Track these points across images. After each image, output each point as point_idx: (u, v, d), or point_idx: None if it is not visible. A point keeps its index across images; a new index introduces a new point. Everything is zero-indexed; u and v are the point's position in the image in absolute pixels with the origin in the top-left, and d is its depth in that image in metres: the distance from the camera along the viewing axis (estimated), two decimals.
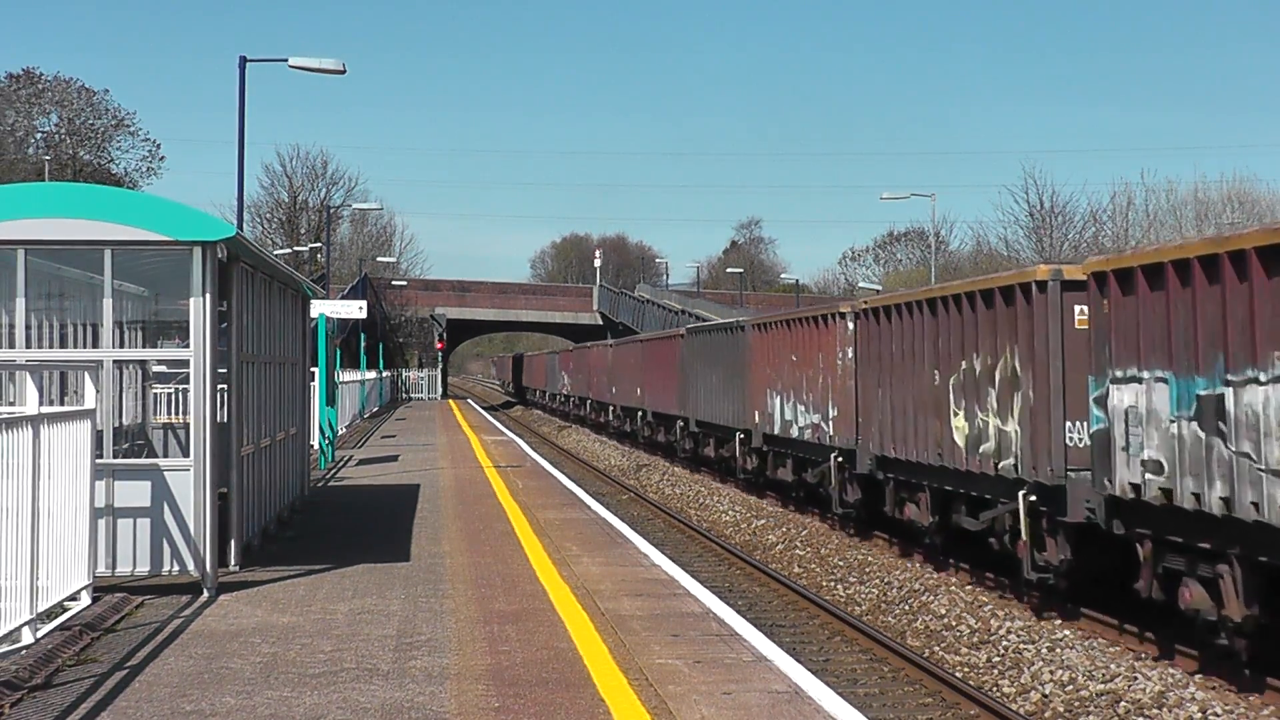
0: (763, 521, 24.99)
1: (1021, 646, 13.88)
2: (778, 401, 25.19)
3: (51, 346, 14.76)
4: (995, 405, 15.63)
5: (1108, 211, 64.43)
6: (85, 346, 15.21)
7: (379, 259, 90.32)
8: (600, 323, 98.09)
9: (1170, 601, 12.49)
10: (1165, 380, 12.14)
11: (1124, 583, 13.57)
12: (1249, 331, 10.88)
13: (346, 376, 48.51)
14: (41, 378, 10.03)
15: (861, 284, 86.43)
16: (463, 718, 8.03)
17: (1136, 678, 12.27)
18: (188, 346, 12.48)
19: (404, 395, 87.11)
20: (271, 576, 13.29)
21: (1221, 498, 11.27)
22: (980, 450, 16.00)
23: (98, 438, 11.61)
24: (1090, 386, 13.76)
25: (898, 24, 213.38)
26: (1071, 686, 12.39)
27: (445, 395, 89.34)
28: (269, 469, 15.72)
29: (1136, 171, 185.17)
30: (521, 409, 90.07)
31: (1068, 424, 14.38)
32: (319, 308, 29.25)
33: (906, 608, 16.58)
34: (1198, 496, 11.60)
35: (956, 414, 16.76)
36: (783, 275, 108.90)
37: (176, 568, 12.31)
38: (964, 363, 16.56)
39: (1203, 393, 11.55)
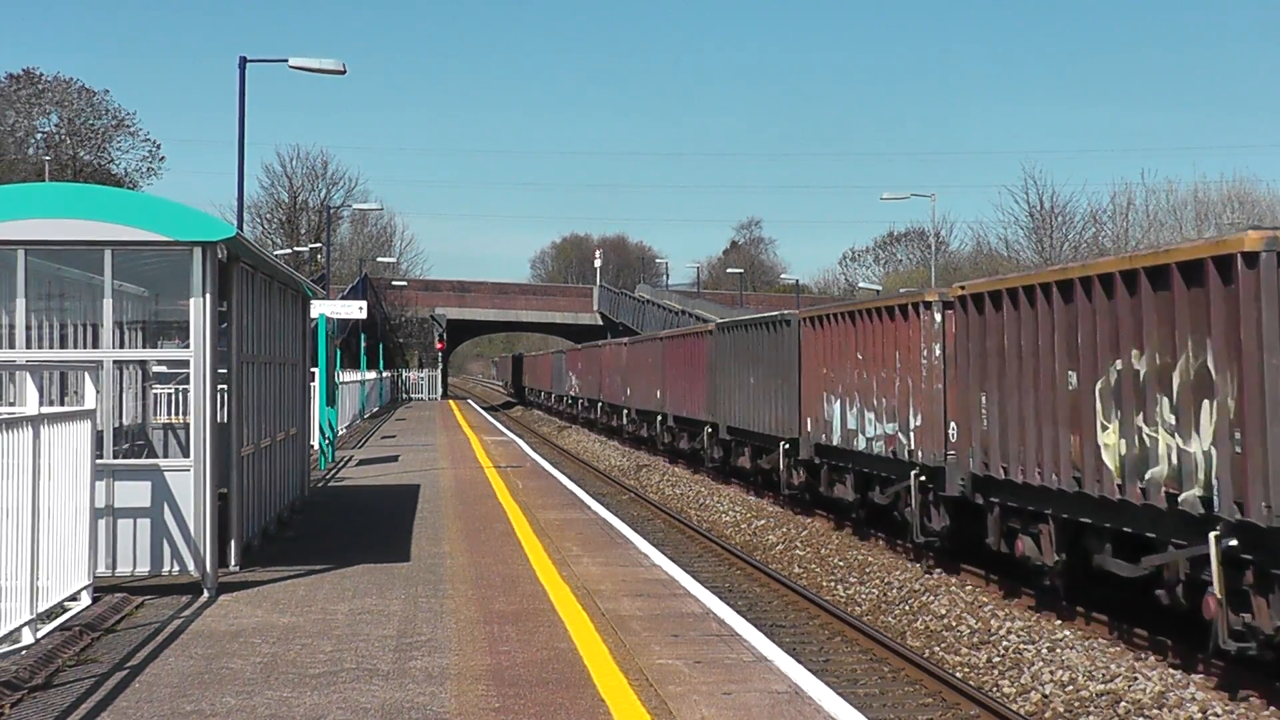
0: (763, 522, 24.99)
1: (1021, 647, 13.88)
2: (837, 407, 21.77)
3: (51, 347, 14.75)
4: (1171, 418, 12.13)
5: (1108, 212, 64.56)
6: (85, 347, 15.20)
7: (379, 259, 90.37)
8: (600, 323, 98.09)
9: None
10: None
11: None
12: None
13: (346, 377, 48.51)
14: (41, 378, 10.02)
15: (861, 284, 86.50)
16: (463, 718, 8.03)
17: (1136, 678, 12.27)
18: (188, 347, 12.48)
19: (404, 395, 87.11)
20: (271, 577, 13.28)
21: None
22: (1147, 476, 12.50)
23: (98, 438, 11.61)
24: None
25: (898, 24, 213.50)
26: (1071, 687, 12.39)
27: (445, 395, 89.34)
28: (269, 469, 15.72)
29: (1136, 171, 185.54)
30: (521, 409, 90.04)
31: None
32: (319, 308, 29.25)
33: (906, 608, 16.57)
34: None
35: (1105, 428, 13.30)
36: (783, 275, 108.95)
37: (176, 568, 12.31)
38: (1118, 362, 13.03)
39: None
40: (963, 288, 16.78)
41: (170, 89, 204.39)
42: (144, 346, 17.62)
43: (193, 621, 11.04)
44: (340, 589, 12.64)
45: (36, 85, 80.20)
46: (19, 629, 9.30)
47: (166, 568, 12.33)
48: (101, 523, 11.94)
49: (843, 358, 21.67)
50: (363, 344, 62.08)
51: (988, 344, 15.90)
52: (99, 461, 11.65)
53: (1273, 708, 11.32)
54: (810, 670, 9.63)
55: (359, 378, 55.71)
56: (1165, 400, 12.26)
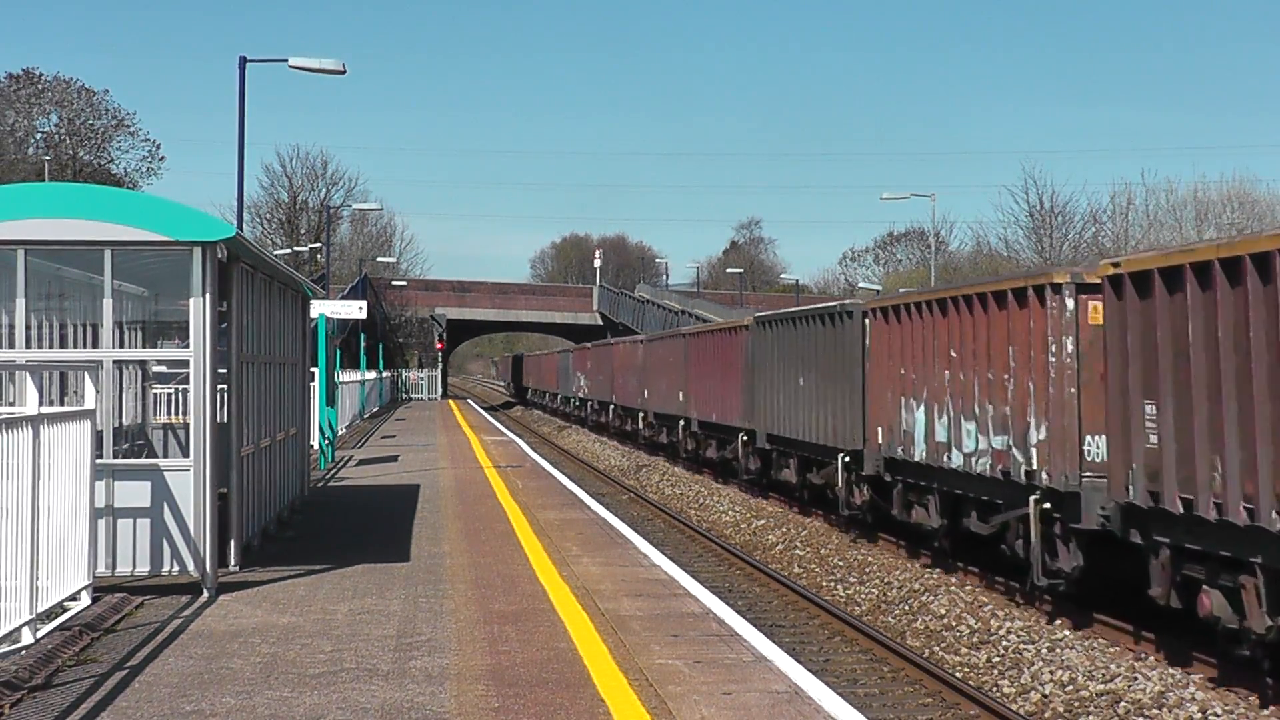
0: (763, 521, 24.99)
1: (1021, 647, 13.88)
2: (919, 415, 18.19)
3: (51, 346, 14.75)
4: None
5: (1108, 212, 64.58)
6: (85, 347, 15.20)
7: (379, 259, 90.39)
8: (600, 323, 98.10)
9: None
10: None
11: None
12: None
13: (346, 377, 48.52)
14: (41, 378, 10.02)
15: (861, 284, 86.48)
16: (463, 718, 8.03)
17: (1136, 678, 12.28)
18: (188, 346, 12.48)
19: (404, 395, 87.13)
20: (271, 576, 13.29)
21: None
22: None
23: (98, 438, 11.61)
24: None
25: (898, 24, 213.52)
26: (1071, 686, 12.39)
27: (445, 395, 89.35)
28: (269, 469, 15.72)
29: (1136, 171, 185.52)
30: (521, 409, 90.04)
31: None
32: (319, 308, 29.25)
33: (906, 608, 16.57)
34: None
35: None
36: (783, 275, 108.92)
37: (176, 568, 12.31)
38: None
39: None
40: (1116, 264, 13.24)
41: (170, 89, 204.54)
42: (144, 346, 17.62)
43: (192, 621, 11.04)
44: (340, 589, 12.64)
45: (36, 85, 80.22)
46: (19, 629, 9.30)
47: (166, 568, 12.33)
48: (101, 523, 11.94)
49: (928, 355, 18.05)
50: (363, 344, 62.08)
51: (1159, 336, 12.38)
52: (99, 461, 11.65)
53: (1272, 707, 11.32)
54: (810, 670, 9.64)
55: (359, 378, 55.71)
56: None
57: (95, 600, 11.15)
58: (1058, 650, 13.51)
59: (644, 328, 74.70)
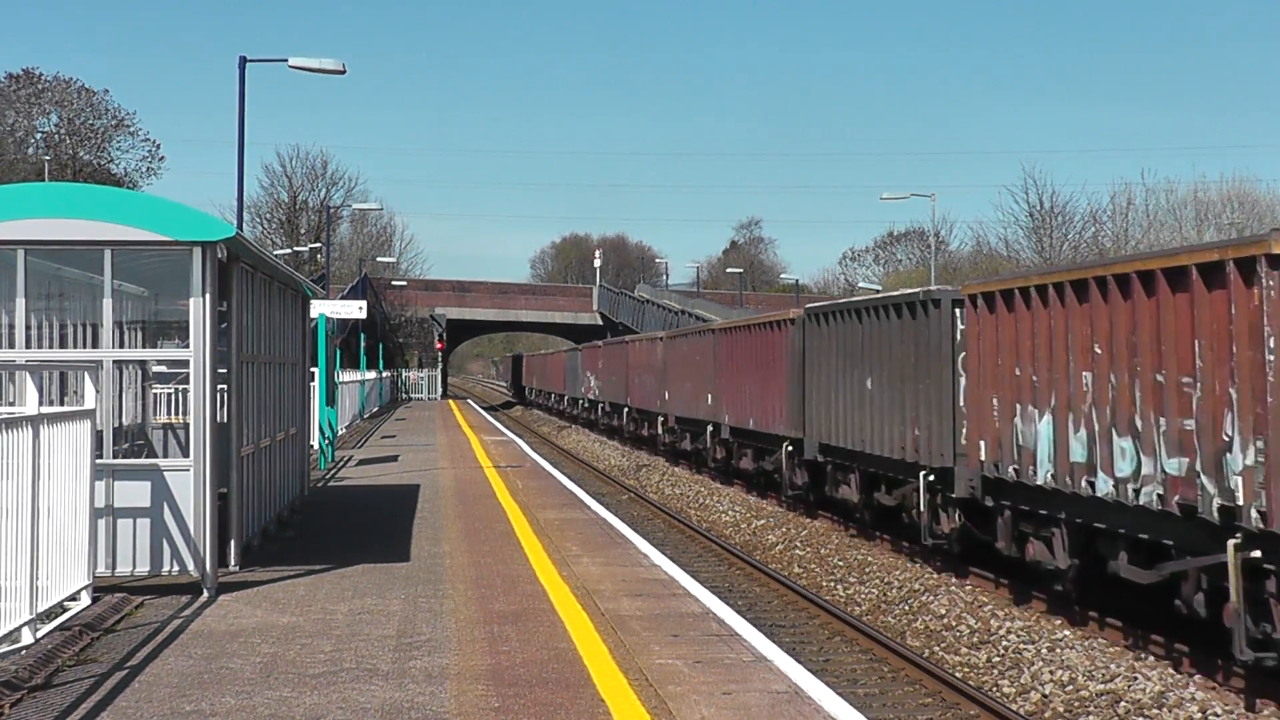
0: (762, 522, 24.98)
1: (1021, 647, 13.88)
2: (1042, 427, 14.53)
3: (51, 346, 14.75)
4: None
5: (1108, 212, 64.56)
6: (85, 346, 15.21)
7: (379, 259, 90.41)
8: (600, 323, 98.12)
9: None
10: None
11: None
12: None
13: (346, 376, 48.52)
14: (41, 378, 10.02)
15: (861, 284, 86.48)
16: (463, 718, 8.03)
17: (1136, 678, 12.28)
18: (188, 346, 12.48)
19: (404, 395, 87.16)
20: (271, 576, 13.29)
21: None
22: None
23: (98, 438, 11.61)
24: None
25: (898, 24, 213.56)
26: (1071, 686, 12.39)
27: (445, 396, 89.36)
28: (269, 469, 15.72)
29: (1136, 171, 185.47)
30: (521, 409, 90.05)
31: None
32: (319, 308, 29.25)
33: (906, 608, 16.57)
34: None
35: None
36: (782, 275, 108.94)
37: (176, 568, 12.31)
38: None
39: None
40: None
41: (170, 89, 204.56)
42: (144, 346, 17.62)
43: (192, 621, 11.04)
44: (340, 589, 12.64)
45: (36, 85, 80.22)
46: (19, 629, 9.30)
47: (166, 568, 12.33)
48: (101, 522, 11.94)
49: (1057, 351, 14.36)
50: (363, 344, 62.09)
51: None
52: (99, 461, 11.65)
53: (1272, 706, 11.32)
54: (810, 670, 9.64)
55: (359, 377, 55.72)
56: None
57: (95, 600, 11.15)
58: (1058, 650, 13.51)
59: (644, 328, 74.60)
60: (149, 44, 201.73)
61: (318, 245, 70.48)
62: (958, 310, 17.35)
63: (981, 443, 16.12)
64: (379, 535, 16.77)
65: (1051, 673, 12.85)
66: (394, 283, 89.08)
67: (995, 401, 15.78)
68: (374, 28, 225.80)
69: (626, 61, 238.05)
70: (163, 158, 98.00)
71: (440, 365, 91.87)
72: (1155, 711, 11.46)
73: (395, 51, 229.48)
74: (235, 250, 12.92)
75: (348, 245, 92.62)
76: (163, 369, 18.80)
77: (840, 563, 20.09)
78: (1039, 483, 14.60)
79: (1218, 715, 11.22)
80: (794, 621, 16.18)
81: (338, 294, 53.67)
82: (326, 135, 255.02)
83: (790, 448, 24.71)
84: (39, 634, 9.61)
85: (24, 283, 12.25)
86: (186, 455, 12.76)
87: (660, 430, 38.58)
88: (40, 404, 9.70)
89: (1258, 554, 11.07)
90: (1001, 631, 14.59)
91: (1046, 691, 12.40)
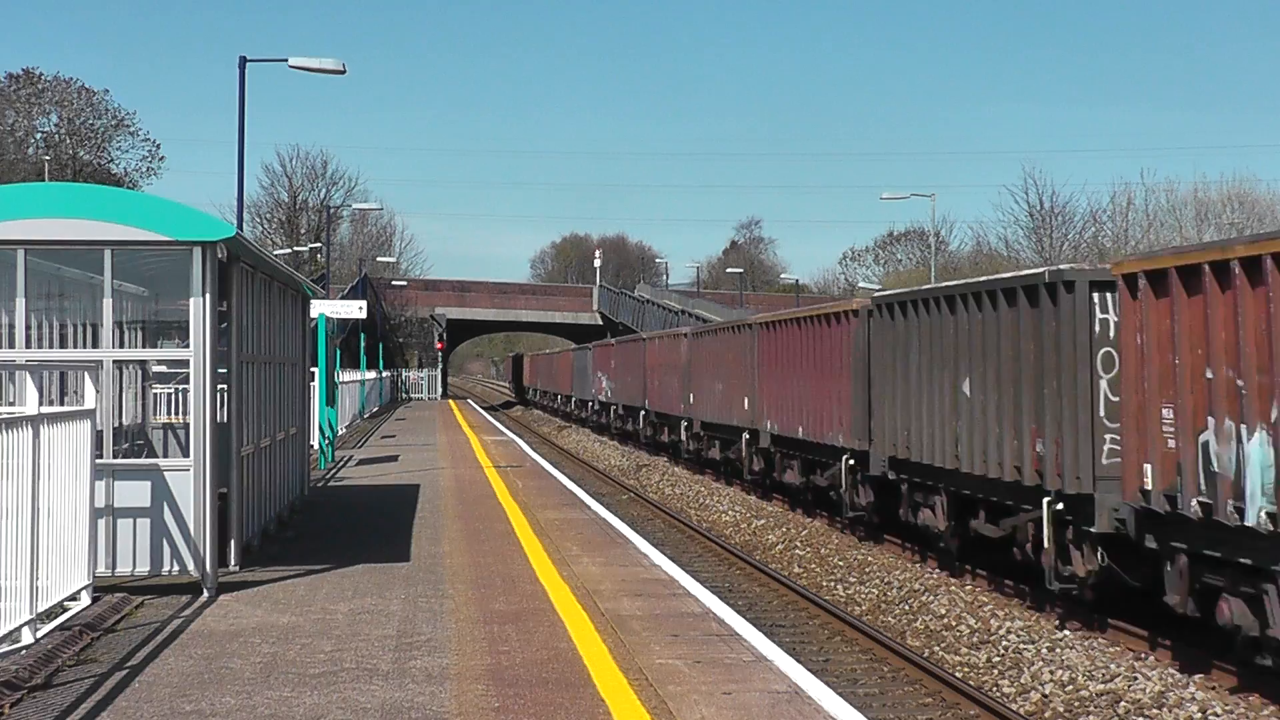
0: (763, 521, 24.98)
1: (1021, 646, 13.88)
2: (1255, 450, 10.94)
3: (51, 346, 14.76)
4: None
5: (1108, 211, 64.62)
6: (85, 346, 15.21)
7: (379, 259, 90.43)
8: (600, 323, 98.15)
9: None
10: None
11: None
12: None
13: (346, 376, 48.52)
14: (41, 378, 10.03)
15: (861, 284, 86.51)
16: (463, 718, 8.03)
17: (1136, 678, 12.28)
18: (188, 346, 12.49)
19: (404, 395, 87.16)
20: (271, 576, 13.29)
21: None
22: None
23: (98, 438, 11.61)
24: None
25: (898, 24, 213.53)
26: (1071, 686, 12.39)
27: (445, 395, 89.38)
28: (269, 469, 15.72)
29: (1136, 171, 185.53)
30: (521, 409, 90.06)
31: None
32: (319, 308, 29.26)
33: (906, 608, 16.57)
34: None
35: None
36: (783, 275, 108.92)
37: (176, 568, 12.31)
38: None
39: None
40: None
41: (170, 89, 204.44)
42: (144, 346, 17.62)
43: (192, 621, 11.04)
44: (340, 589, 12.64)
45: (36, 85, 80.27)
46: (19, 629, 9.30)
47: (166, 567, 12.33)
48: (101, 522, 11.94)
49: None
50: (363, 344, 62.10)
51: None
52: (99, 461, 11.65)
53: (1273, 707, 11.32)
54: (810, 670, 9.64)
55: (359, 377, 55.73)
56: None
57: (95, 600, 11.15)
58: (1058, 650, 13.51)
59: (644, 327, 74.49)
60: (149, 44, 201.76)
61: (318, 245, 70.51)
62: (1097, 296, 14.25)
63: (1147, 466, 12.46)
64: (379, 535, 16.77)
65: (1051, 673, 12.85)
66: (394, 283, 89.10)
67: (1169, 413, 12.19)
68: (374, 28, 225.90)
69: (626, 61, 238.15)
70: (163, 158, 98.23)
71: (440, 365, 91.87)
72: (1155, 711, 11.46)
73: (395, 51, 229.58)
74: (235, 250, 12.92)
75: (348, 245, 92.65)
76: (163, 369, 18.80)
77: (840, 562, 20.09)
78: (1248, 523, 10.94)
79: (1218, 715, 11.22)
80: (794, 621, 16.19)
81: (338, 294, 53.68)
82: (326, 135, 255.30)
83: (851, 461, 21.09)
84: (39, 634, 9.61)
85: (24, 282, 12.25)
86: (186, 455, 12.76)
87: (683, 436, 34.96)
88: (40, 404, 9.70)
89: None
90: (1001, 631, 14.59)
91: (1046, 691, 12.40)
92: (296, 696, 8.53)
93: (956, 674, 13.17)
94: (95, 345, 14.71)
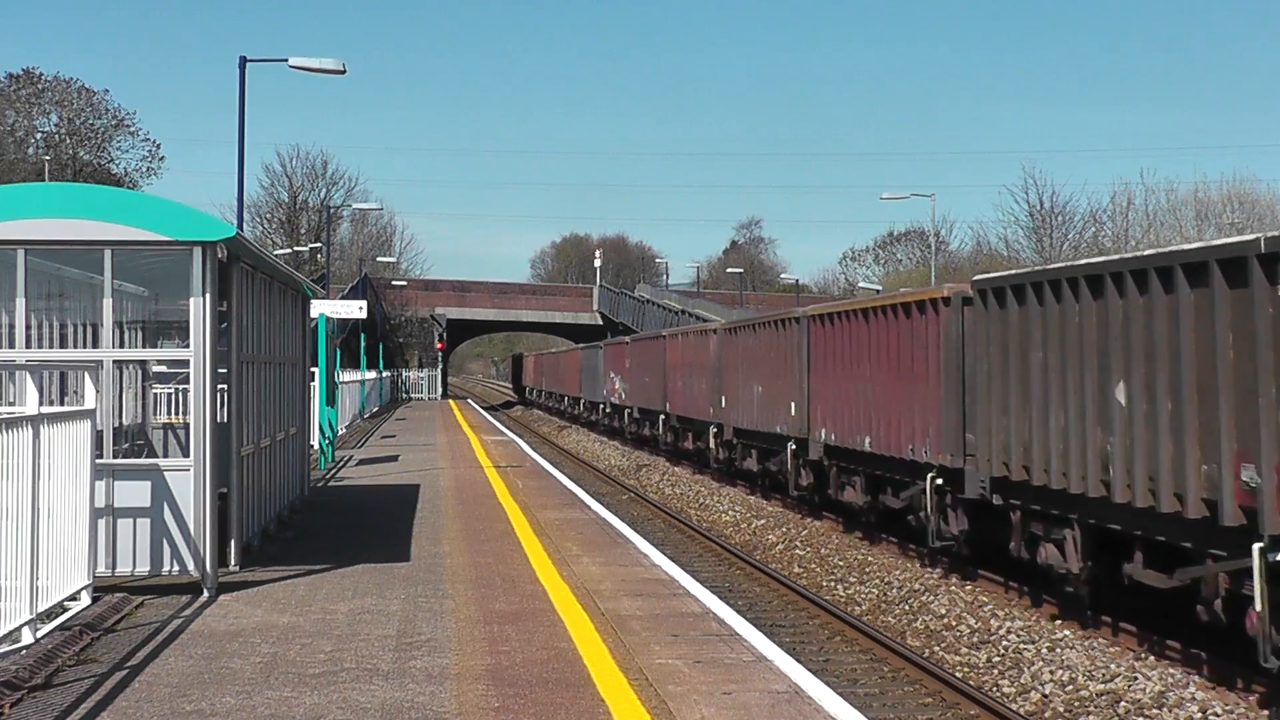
0: (763, 521, 24.97)
1: (1021, 646, 13.88)
2: None
3: (51, 346, 14.75)
4: None
5: (1108, 211, 64.69)
6: (85, 346, 15.21)
7: (379, 259, 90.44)
8: (600, 323, 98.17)
9: None
10: None
11: None
12: None
13: (346, 376, 48.52)
14: (41, 378, 10.03)
15: (861, 284, 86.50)
16: (463, 718, 8.03)
17: (1136, 678, 12.28)
18: (188, 346, 12.49)
19: (404, 395, 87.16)
20: (271, 576, 13.29)
21: None
22: None
23: (98, 438, 11.61)
24: None
25: (898, 24, 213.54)
26: (1071, 686, 12.39)
27: (445, 395, 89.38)
28: (269, 469, 15.73)
29: (1136, 171, 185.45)
30: (521, 409, 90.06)
31: None
32: (319, 308, 29.25)
33: (906, 608, 16.57)
34: None
35: None
36: (783, 275, 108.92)
37: (176, 568, 12.31)
38: None
39: None
40: None
41: (170, 89, 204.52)
42: (144, 346, 17.63)
43: (193, 621, 11.04)
44: (340, 589, 12.64)
45: (36, 85, 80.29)
46: (19, 629, 9.30)
47: (166, 567, 12.33)
48: (101, 522, 11.94)
49: None
50: (363, 344, 62.10)
51: None
52: (99, 461, 11.65)
53: (1273, 707, 11.31)
54: (810, 670, 9.64)
55: (359, 377, 55.73)
56: None
57: (95, 600, 11.15)
58: (1058, 650, 13.51)
59: (644, 327, 74.42)
60: (149, 44, 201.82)
61: (318, 245, 70.51)
62: None
63: None
64: (379, 535, 16.78)
65: (1051, 672, 12.85)
66: (394, 283, 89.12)
67: None
68: (374, 28, 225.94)
69: (627, 61, 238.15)
70: (163, 158, 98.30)
71: (440, 365, 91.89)
72: (1155, 711, 11.46)
73: (395, 51, 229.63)
74: (235, 250, 12.92)
75: (348, 245, 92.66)
76: (163, 369, 18.80)
77: (840, 562, 20.09)
78: None
79: (1218, 715, 11.22)
80: (794, 621, 16.19)
81: (338, 294, 53.68)
82: (326, 135, 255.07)
83: (940, 480, 17.48)
84: (39, 634, 9.61)
85: (24, 282, 12.25)
86: (186, 455, 12.76)
87: (712, 444, 31.47)
88: (40, 404, 9.70)
89: None
90: (1001, 631, 14.59)
91: (1046, 691, 12.40)
92: (296, 696, 8.53)
93: (956, 674, 13.17)
94: (95, 345, 14.71)
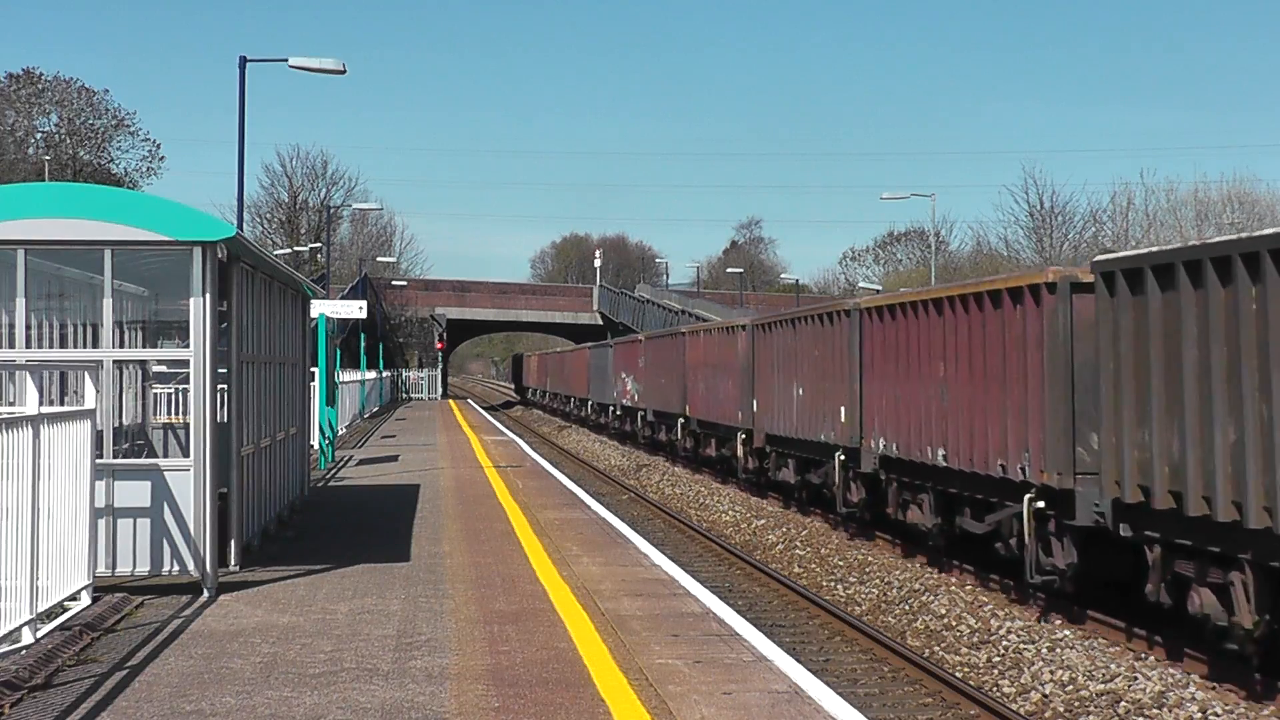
0: (763, 521, 24.97)
1: (1021, 646, 13.88)
2: None
3: (51, 346, 14.75)
4: None
5: (1108, 211, 64.67)
6: (85, 346, 15.21)
7: (379, 259, 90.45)
8: (600, 323, 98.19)
9: None
10: None
11: None
12: None
13: (346, 376, 48.53)
14: (41, 378, 10.03)
15: (861, 284, 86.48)
16: (463, 718, 8.03)
17: (1136, 678, 12.27)
18: (188, 346, 12.49)
19: (404, 395, 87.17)
20: (271, 576, 13.29)
21: None
22: None
23: (98, 438, 11.61)
24: None
25: (898, 24, 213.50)
26: (1071, 686, 12.39)
27: (445, 395, 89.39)
28: (269, 469, 15.72)
29: (1136, 171, 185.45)
30: (521, 409, 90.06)
31: None
32: (319, 308, 29.25)
33: (906, 608, 16.57)
34: None
35: None
36: (783, 275, 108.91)
37: (176, 568, 12.31)
38: None
39: None
40: None
41: (170, 89, 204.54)
42: (144, 346, 17.62)
43: (193, 621, 11.04)
44: (340, 589, 12.64)
45: (36, 85, 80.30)
46: (19, 629, 9.30)
47: (166, 567, 12.33)
48: (101, 522, 11.94)
49: None
50: (363, 344, 62.11)
51: None
52: (99, 461, 11.65)
53: (1272, 707, 11.31)
54: (810, 670, 9.64)
55: (359, 377, 55.73)
56: None
57: (95, 600, 11.15)
58: (1058, 650, 13.51)
59: (644, 327, 74.32)
60: (149, 44, 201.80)
61: (318, 245, 70.50)
62: None
63: None
64: (379, 535, 16.78)
65: (1051, 672, 12.85)
66: (394, 283, 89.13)
67: None
68: (374, 28, 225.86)
69: (626, 61, 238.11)
70: (163, 158, 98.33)
71: (440, 365, 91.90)
72: (1155, 711, 11.46)
73: (395, 51, 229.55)
74: (235, 250, 12.92)
75: (348, 245, 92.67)
76: (163, 369, 18.80)
77: (840, 563, 20.08)
78: None
79: (1218, 715, 11.21)
80: (794, 621, 16.19)
81: (338, 294, 53.67)
82: (326, 135, 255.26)
83: (1041, 503, 14.62)
84: (39, 634, 9.61)
85: (24, 282, 12.25)
86: (186, 455, 12.76)
87: (740, 452, 28.56)
88: (40, 404, 9.70)
89: None
90: (1001, 631, 14.59)
91: (1046, 691, 12.40)
92: (296, 696, 8.53)
93: (956, 674, 13.17)
94: (95, 345, 14.71)
